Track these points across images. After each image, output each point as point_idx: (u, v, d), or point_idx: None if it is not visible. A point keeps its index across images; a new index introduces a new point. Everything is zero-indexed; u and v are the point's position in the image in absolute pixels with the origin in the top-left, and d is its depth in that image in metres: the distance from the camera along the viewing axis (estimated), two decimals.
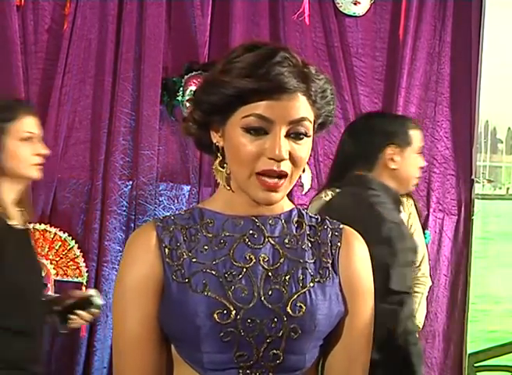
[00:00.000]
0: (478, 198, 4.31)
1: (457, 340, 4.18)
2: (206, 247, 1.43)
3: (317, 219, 1.52)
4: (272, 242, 1.45)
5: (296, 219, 1.49)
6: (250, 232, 1.44)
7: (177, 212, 1.56)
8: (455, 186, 4.20)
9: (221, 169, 1.43)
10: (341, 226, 1.51)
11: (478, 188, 4.31)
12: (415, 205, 3.30)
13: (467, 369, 4.14)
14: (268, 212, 1.46)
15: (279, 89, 1.35)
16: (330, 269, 1.46)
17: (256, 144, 1.37)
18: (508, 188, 35.90)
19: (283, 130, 1.37)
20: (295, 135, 1.38)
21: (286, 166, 1.38)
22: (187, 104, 3.84)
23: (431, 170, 4.16)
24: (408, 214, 3.18)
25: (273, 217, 1.46)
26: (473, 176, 4.22)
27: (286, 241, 1.46)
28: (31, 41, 3.71)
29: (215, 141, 1.44)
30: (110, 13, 3.78)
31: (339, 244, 1.48)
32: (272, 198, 1.40)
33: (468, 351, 4.20)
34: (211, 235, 1.44)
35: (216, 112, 1.40)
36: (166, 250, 1.42)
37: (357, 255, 1.49)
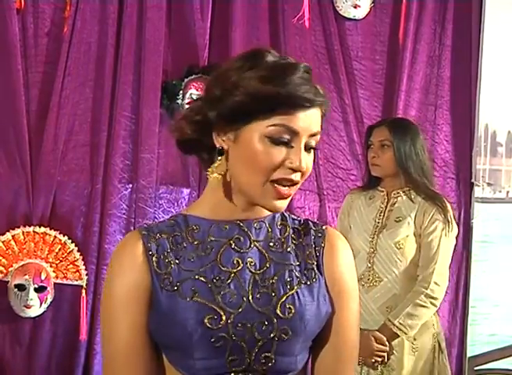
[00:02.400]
0: (477, 202, 4.30)
1: (457, 343, 4.18)
2: (193, 254, 1.42)
3: (299, 221, 1.53)
4: (258, 246, 1.45)
5: (279, 222, 1.50)
6: (236, 236, 1.44)
7: (161, 219, 1.55)
8: (455, 189, 4.20)
9: (220, 173, 1.43)
10: (324, 227, 1.53)
11: (477, 191, 4.31)
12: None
13: (467, 373, 4.14)
14: (253, 216, 1.46)
15: (310, 102, 1.37)
16: (315, 270, 1.47)
17: (280, 154, 1.37)
18: (508, 192, 35.89)
19: (303, 142, 1.39)
20: (308, 147, 1.40)
21: (298, 176, 1.40)
22: (187, 107, 3.84)
23: None
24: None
25: (258, 221, 1.47)
26: (473, 180, 4.22)
27: (271, 244, 1.46)
28: (31, 45, 3.71)
29: (218, 145, 1.43)
30: (110, 17, 3.78)
31: (322, 245, 1.49)
32: (283, 205, 1.42)
33: (468, 355, 4.20)
34: (196, 242, 1.44)
35: (236, 116, 1.39)
36: (154, 259, 1.41)
37: (340, 256, 1.50)
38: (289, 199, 1.42)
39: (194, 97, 3.84)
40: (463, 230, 4.18)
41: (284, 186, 1.39)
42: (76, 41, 3.72)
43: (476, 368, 4.28)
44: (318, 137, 1.41)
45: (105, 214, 3.75)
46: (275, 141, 1.37)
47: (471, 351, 4.25)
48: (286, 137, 1.37)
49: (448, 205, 3.14)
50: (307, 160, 1.40)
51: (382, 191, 3.23)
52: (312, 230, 1.51)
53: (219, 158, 1.43)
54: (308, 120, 1.38)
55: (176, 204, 3.89)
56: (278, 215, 1.50)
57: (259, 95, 1.35)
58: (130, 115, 3.82)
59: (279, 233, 1.48)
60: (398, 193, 3.17)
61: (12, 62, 3.62)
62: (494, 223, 19.72)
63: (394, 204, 3.17)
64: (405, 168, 3.12)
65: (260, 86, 1.36)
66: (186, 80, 3.84)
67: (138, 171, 3.80)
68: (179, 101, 3.85)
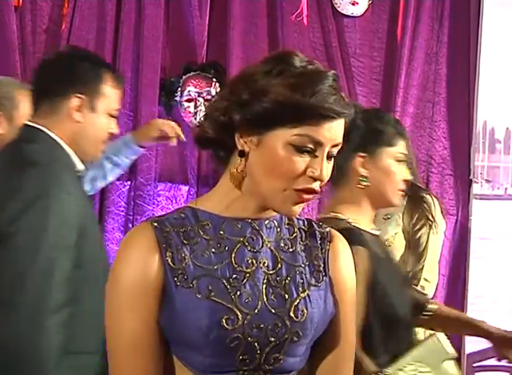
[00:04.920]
0: (476, 198, 4.31)
1: (456, 340, 4.18)
2: (206, 250, 1.41)
3: (303, 221, 1.53)
4: (269, 246, 1.45)
5: (286, 221, 1.49)
6: (249, 235, 1.43)
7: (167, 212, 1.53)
8: (453, 186, 4.20)
9: (239, 173, 1.42)
10: (327, 228, 1.53)
11: (476, 188, 4.31)
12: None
13: (465, 369, 4.14)
14: (264, 216, 1.45)
15: (337, 114, 1.38)
16: (322, 272, 1.47)
17: (303, 163, 1.37)
18: (506, 188, 35.93)
19: (326, 152, 1.39)
20: (329, 156, 1.40)
21: (318, 184, 1.40)
22: (186, 104, 3.85)
23: (429, 170, 4.17)
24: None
25: (269, 220, 1.46)
26: (471, 177, 4.22)
27: (282, 244, 1.46)
28: (29, 42, 3.71)
29: (240, 146, 1.41)
30: (108, 14, 3.78)
31: (327, 247, 1.50)
32: (299, 210, 1.43)
33: (467, 351, 4.20)
34: (208, 238, 1.42)
35: (262, 122, 1.38)
36: (168, 252, 1.38)
37: (342, 259, 1.51)
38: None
39: (193, 94, 3.84)
40: (461, 226, 4.19)
41: (307, 194, 1.40)
42: (74, 38, 3.72)
43: (475, 364, 4.28)
44: (340, 146, 1.41)
45: (104, 211, 3.76)
46: (300, 149, 1.36)
47: (469, 348, 4.25)
48: (310, 146, 1.37)
49: (433, 201, 3.15)
50: (328, 169, 1.40)
51: None
52: (317, 232, 1.51)
53: (240, 159, 1.41)
54: (334, 131, 1.38)
55: (174, 201, 3.89)
56: None
57: (287, 104, 1.35)
58: (128, 112, 3.82)
59: (287, 234, 1.48)
60: None
61: (10, 60, 3.62)
62: (492, 219, 19.76)
63: None
64: None
65: (289, 94, 1.35)
66: (184, 77, 3.84)
67: (136, 168, 3.79)
68: (178, 99, 3.85)
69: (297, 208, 1.41)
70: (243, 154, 1.41)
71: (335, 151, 1.40)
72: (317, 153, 1.38)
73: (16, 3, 3.64)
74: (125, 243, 1.42)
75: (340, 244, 1.53)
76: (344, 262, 1.51)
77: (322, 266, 1.48)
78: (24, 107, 2.58)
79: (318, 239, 1.50)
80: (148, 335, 1.38)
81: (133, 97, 3.81)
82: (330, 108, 1.36)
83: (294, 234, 1.49)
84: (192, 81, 3.82)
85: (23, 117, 2.46)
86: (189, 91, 3.82)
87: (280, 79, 1.37)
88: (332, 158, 1.41)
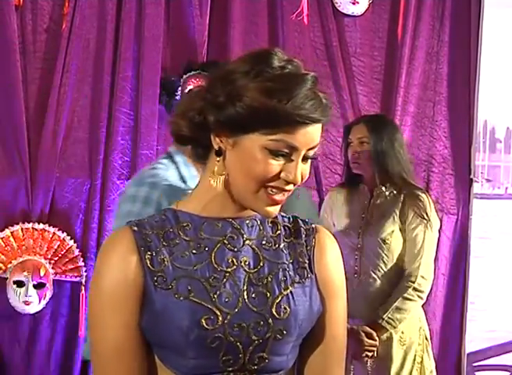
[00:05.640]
0: (476, 198, 4.31)
1: (456, 339, 4.19)
2: (186, 251, 1.40)
3: (289, 218, 1.52)
4: (251, 245, 1.44)
5: (270, 219, 1.48)
6: (229, 235, 1.43)
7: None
8: (454, 185, 4.20)
9: (220, 173, 1.41)
10: (313, 225, 1.52)
11: (476, 188, 4.31)
12: None
13: (465, 369, 4.15)
14: (245, 214, 1.45)
15: (314, 120, 1.35)
16: (307, 269, 1.46)
17: (278, 166, 1.36)
18: (507, 188, 35.92)
19: (302, 155, 1.38)
20: (305, 158, 1.39)
21: (291, 186, 1.39)
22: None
23: (429, 170, 4.17)
24: None
25: (250, 219, 1.46)
26: (471, 176, 4.22)
27: (264, 242, 1.45)
28: (30, 41, 3.71)
29: (216, 146, 1.40)
30: (109, 13, 3.78)
31: (313, 243, 1.49)
32: (275, 211, 1.41)
33: (467, 351, 4.21)
34: (188, 239, 1.41)
35: (237, 127, 1.36)
36: (147, 255, 1.38)
37: (328, 254, 1.50)
38: (280, 205, 1.41)
39: None
40: (461, 226, 4.19)
41: (278, 194, 1.38)
42: (74, 38, 3.71)
43: (475, 364, 4.29)
44: (317, 148, 1.40)
45: (104, 211, 3.75)
46: (275, 153, 1.35)
47: (469, 348, 4.26)
48: (286, 150, 1.35)
49: (427, 199, 3.17)
50: (303, 171, 1.39)
51: (365, 188, 3.26)
52: (302, 229, 1.50)
53: (218, 158, 1.40)
54: (310, 136, 1.36)
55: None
56: None
57: (262, 110, 1.33)
58: (129, 111, 3.82)
59: (270, 231, 1.47)
60: (381, 189, 3.19)
61: (10, 59, 3.61)
62: (493, 219, 19.76)
63: (378, 200, 3.20)
64: (382, 164, 3.15)
65: (263, 100, 1.33)
66: (184, 76, 3.84)
67: (137, 167, 3.79)
68: (178, 98, 3.85)
69: (272, 209, 1.40)
70: (220, 153, 1.40)
71: (311, 153, 1.39)
72: (292, 157, 1.36)
73: (16, 2, 3.63)
74: (104, 247, 1.42)
75: (327, 241, 1.51)
76: (331, 260, 1.50)
77: (307, 262, 1.47)
78: None
79: (303, 236, 1.49)
80: (132, 339, 1.37)
81: (133, 96, 3.81)
82: (306, 116, 1.33)
83: (278, 232, 1.48)
84: (192, 80, 3.82)
85: None
86: (189, 90, 3.81)
87: (257, 82, 1.35)
88: (308, 160, 1.40)
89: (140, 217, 1.46)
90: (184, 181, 2.39)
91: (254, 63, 1.37)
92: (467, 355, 4.19)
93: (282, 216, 1.51)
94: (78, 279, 3.70)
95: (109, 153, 3.78)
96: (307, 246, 1.48)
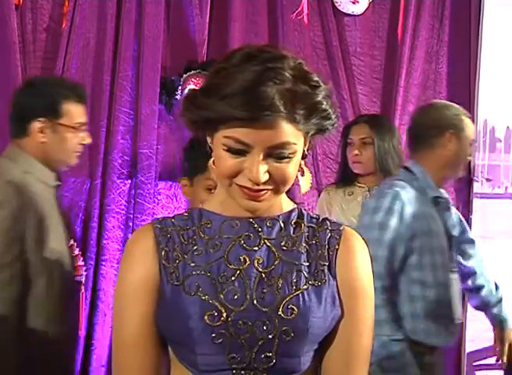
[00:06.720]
0: (476, 197, 4.31)
1: (456, 338, 4.18)
2: (202, 249, 1.42)
3: (317, 219, 1.49)
4: (268, 244, 1.43)
5: (294, 220, 1.47)
6: (246, 234, 1.43)
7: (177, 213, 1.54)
8: (453, 185, 4.20)
9: (213, 167, 1.42)
10: (341, 227, 1.48)
11: (476, 187, 4.31)
12: None
13: (465, 368, 4.15)
14: (266, 214, 1.44)
15: (257, 118, 1.30)
16: (326, 271, 1.43)
17: (235, 162, 1.35)
18: (507, 187, 35.92)
19: (262, 154, 1.34)
20: (277, 157, 1.35)
21: (266, 184, 1.36)
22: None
23: None
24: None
25: (271, 219, 1.45)
26: (471, 175, 4.22)
27: (283, 243, 1.44)
28: (30, 40, 3.70)
29: (209, 142, 1.43)
30: (109, 12, 3.78)
31: (337, 246, 1.45)
32: (255, 206, 1.39)
33: (467, 350, 4.20)
34: (207, 237, 1.43)
35: (204, 124, 1.39)
36: (163, 252, 1.43)
37: (357, 257, 1.46)
38: (266, 203, 1.39)
39: None
40: None
41: (251, 190, 1.37)
42: (74, 37, 3.71)
43: (475, 363, 4.29)
44: (291, 145, 1.35)
45: (104, 210, 3.76)
46: (231, 150, 1.35)
47: (469, 347, 4.26)
48: (240, 147, 1.34)
49: None
50: (280, 171, 1.36)
51: (363, 187, 3.25)
52: (328, 230, 1.47)
53: (211, 154, 1.43)
54: (263, 133, 1.32)
55: (174, 199, 3.89)
56: (295, 212, 1.48)
57: (202, 111, 1.35)
58: (129, 110, 3.82)
59: (292, 232, 1.46)
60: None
61: (10, 58, 3.61)
62: (493, 218, 19.76)
63: None
64: (384, 164, 3.16)
65: (203, 100, 1.35)
66: (184, 75, 3.84)
67: (137, 167, 3.80)
68: (178, 97, 3.85)
69: (253, 204, 1.39)
70: (210, 149, 1.43)
71: (283, 151, 1.34)
72: (249, 154, 1.35)
73: (16, 1, 3.63)
74: (127, 244, 1.49)
75: (356, 244, 1.47)
76: (360, 264, 1.46)
77: (327, 265, 1.44)
78: None
79: (328, 237, 1.46)
80: (149, 332, 1.42)
81: (133, 95, 3.81)
82: (241, 113, 1.30)
83: (300, 232, 1.46)
84: (192, 80, 3.82)
85: None
86: (189, 90, 3.81)
87: (208, 83, 1.37)
88: (286, 160, 1.35)
89: None
90: None
91: (224, 61, 1.38)
92: (467, 354, 4.19)
93: (311, 217, 1.49)
94: (78, 278, 3.69)
95: (109, 152, 3.78)
96: (329, 248, 1.45)
